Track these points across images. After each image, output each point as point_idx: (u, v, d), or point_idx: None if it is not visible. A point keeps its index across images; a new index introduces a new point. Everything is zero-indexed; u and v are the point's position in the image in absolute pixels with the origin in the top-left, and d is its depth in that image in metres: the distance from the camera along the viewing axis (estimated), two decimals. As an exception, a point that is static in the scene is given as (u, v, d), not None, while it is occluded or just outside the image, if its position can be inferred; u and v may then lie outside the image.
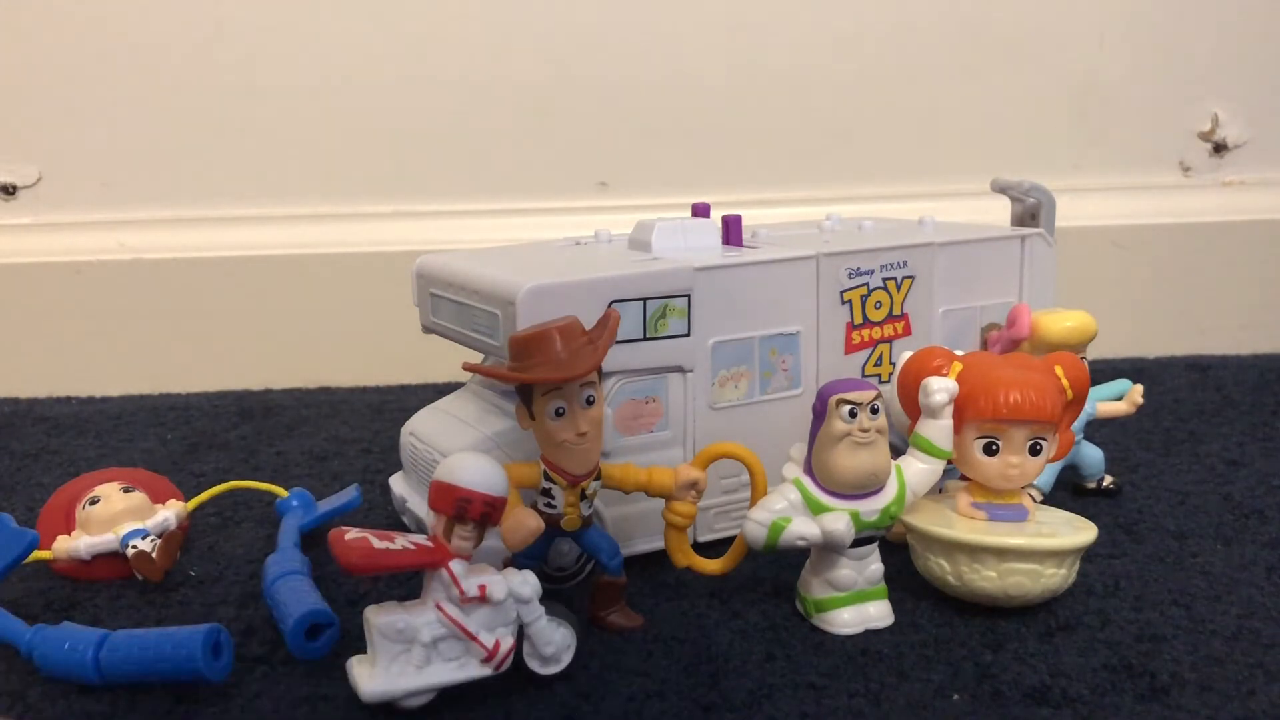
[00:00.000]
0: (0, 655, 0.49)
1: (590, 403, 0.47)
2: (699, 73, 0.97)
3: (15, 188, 0.97)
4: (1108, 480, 0.66)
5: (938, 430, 0.50)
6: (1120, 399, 0.65)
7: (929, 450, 0.50)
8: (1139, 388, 0.65)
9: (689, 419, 0.57)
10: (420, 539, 0.43)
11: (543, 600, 0.45)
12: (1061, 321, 0.60)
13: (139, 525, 0.57)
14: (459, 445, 0.55)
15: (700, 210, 0.65)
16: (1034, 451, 0.51)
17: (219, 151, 0.97)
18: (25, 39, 0.94)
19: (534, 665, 0.45)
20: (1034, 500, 0.53)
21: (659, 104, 0.97)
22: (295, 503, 0.62)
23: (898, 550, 0.54)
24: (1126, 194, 1.01)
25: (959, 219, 0.73)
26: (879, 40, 0.98)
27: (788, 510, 0.49)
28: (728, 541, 0.54)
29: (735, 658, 0.48)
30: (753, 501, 0.51)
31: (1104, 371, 0.82)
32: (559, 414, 0.47)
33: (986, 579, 0.50)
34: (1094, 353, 0.62)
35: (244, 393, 0.95)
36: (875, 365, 0.61)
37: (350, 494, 0.62)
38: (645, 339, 0.55)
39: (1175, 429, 0.79)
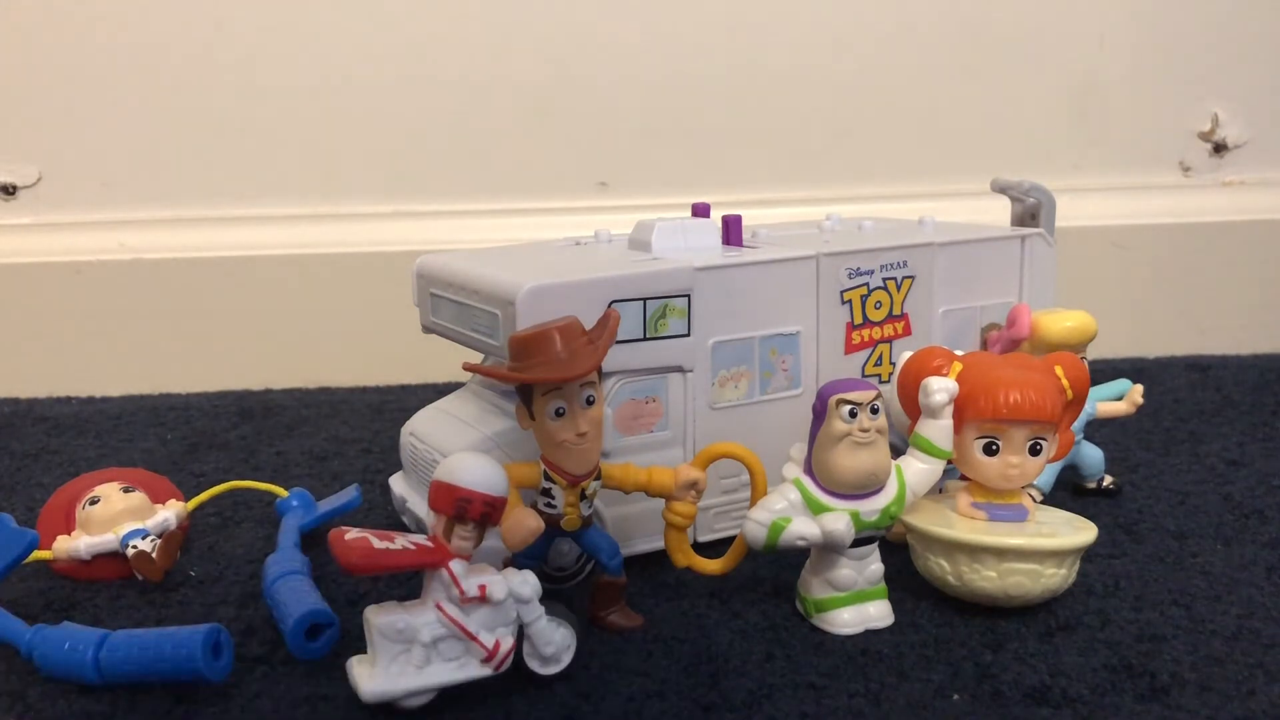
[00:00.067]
0: (0, 655, 0.49)
1: (590, 403, 0.47)
2: (699, 73, 0.97)
3: (15, 188, 0.97)
4: (1108, 480, 0.66)
5: (938, 430, 0.50)
6: (1120, 399, 0.65)
7: (929, 450, 0.50)
8: (1139, 388, 0.65)
9: (689, 419, 0.57)
10: (420, 539, 0.43)
11: (543, 600, 0.45)
12: (1061, 321, 0.60)
13: (139, 525, 0.57)
14: (459, 445, 0.55)
15: (700, 210, 0.65)
16: (1034, 451, 0.51)
17: (219, 151, 0.97)
18: (25, 39, 0.94)
19: (534, 665, 0.45)
20: (1034, 500, 0.53)
21: (659, 104, 0.98)
22: (295, 503, 0.62)
23: (898, 550, 0.54)
24: (1126, 194, 1.01)
25: (959, 219, 0.73)
26: (879, 40, 0.98)
27: (788, 510, 0.49)
28: (728, 541, 0.54)
29: (735, 658, 0.48)
30: (753, 501, 0.51)
31: (1104, 371, 0.82)
32: (559, 414, 0.47)
33: (986, 579, 0.50)
34: (1094, 353, 0.62)
35: (244, 393, 0.95)
36: (875, 365, 0.61)
37: (350, 494, 0.62)
38: (645, 339, 0.55)
39: (1175, 429, 0.79)
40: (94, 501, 0.58)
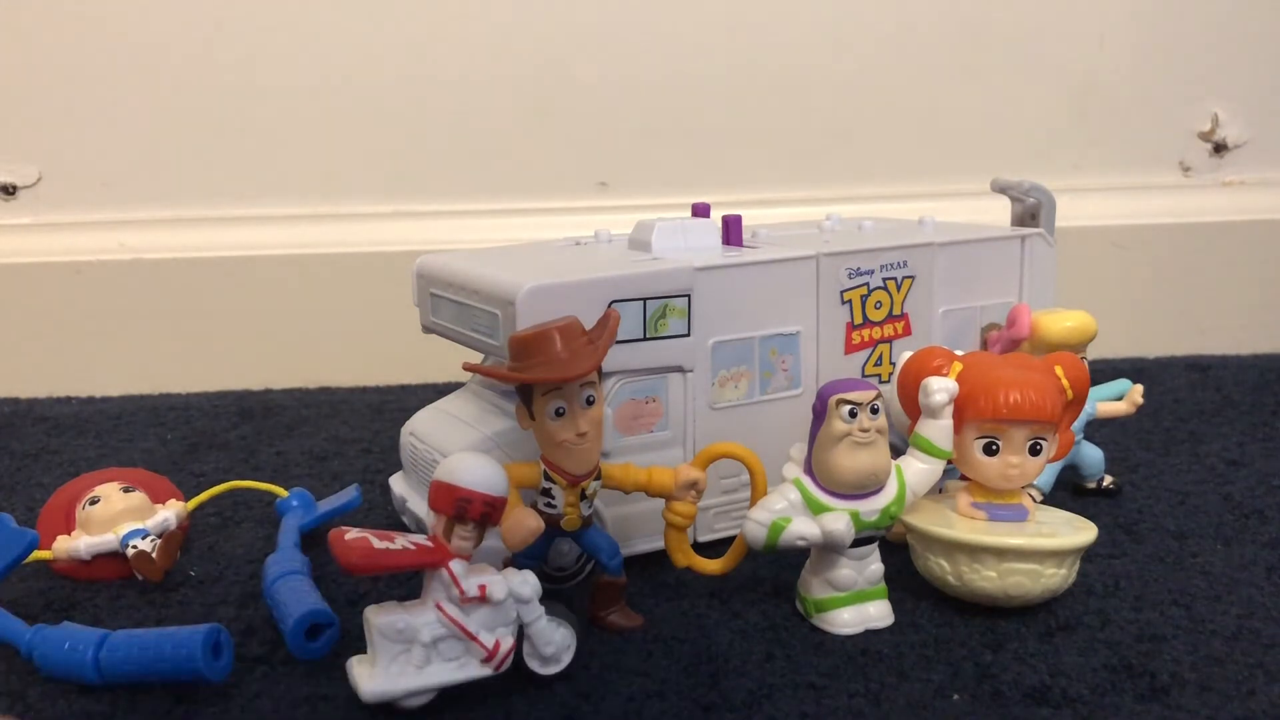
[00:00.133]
0: (0, 655, 0.49)
1: (590, 403, 0.47)
2: (699, 73, 0.97)
3: (15, 188, 0.97)
4: (1108, 480, 0.66)
5: (938, 430, 0.50)
6: (1120, 399, 0.65)
7: (929, 450, 0.50)
8: (1139, 388, 0.65)
9: (689, 419, 0.57)
10: (420, 539, 0.43)
11: (543, 600, 0.45)
12: (1061, 321, 0.60)
13: (139, 525, 0.57)
14: (459, 445, 0.55)
15: (700, 210, 0.65)
16: (1034, 451, 0.51)
17: (219, 151, 0.97)
18: (25, 39, 0.94)
19: (534, 665, 0.45)
20: (1034, 500, 0.53)
21: (659, 104, 0.98)
22: (295, 503, 0.62)
23: (898, 550, 0.54)
24: (1126, 194, 1.01)
25: (959, 219, 0.73)
26: (879, 40, 0.98)
27: (788, 510, 0.49)
28: (728, 541, 0.54)
29: (735, 658, 0.48)
30: (753, 501, 0.51)
31: (1104, 371, 0.82)
32: (559, 414, 0.47)
33: (986, 579, 0.50)
34: (1094, 353, 0.62)
35: (244, 393, 0.95)
36: (875, 365, 0.61)
37: (350, 494, 0.62)
38: (645, 339, 0.55)
39: (1175, 429, 0.79)
40: (94, 501, 0.58)
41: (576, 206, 0.98)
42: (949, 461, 0.51)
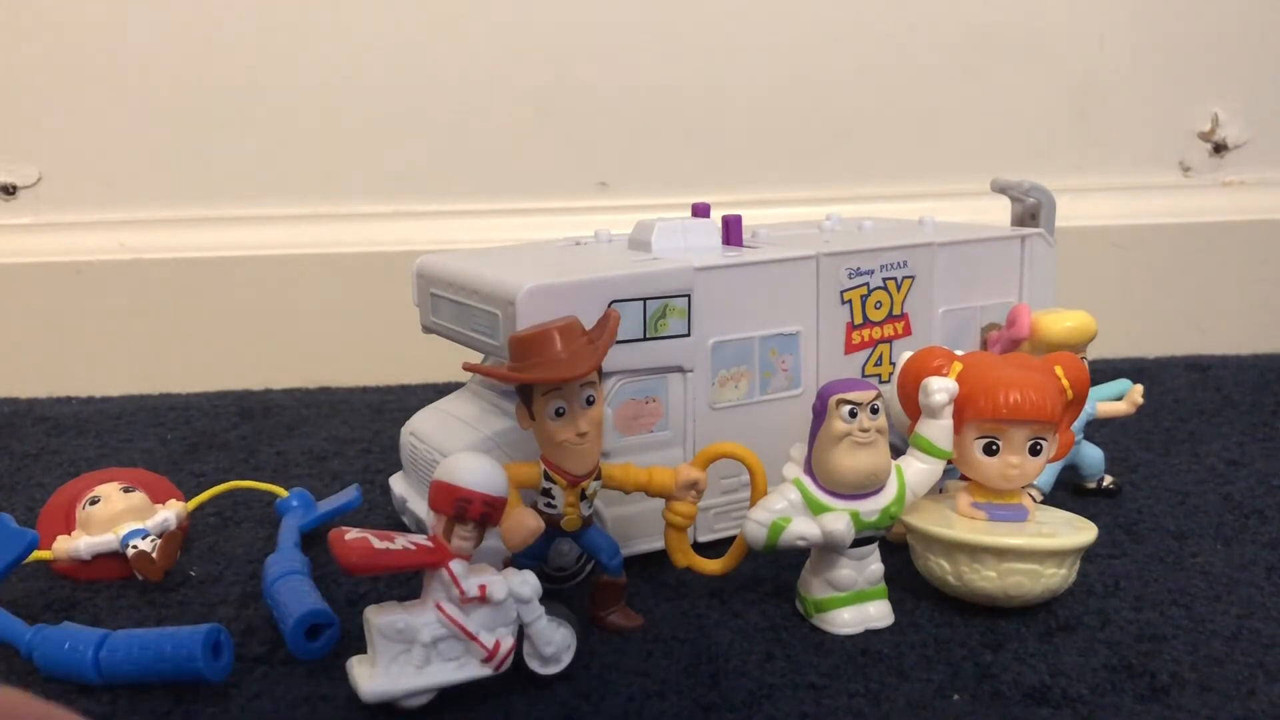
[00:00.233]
0: (0, 655, 0.49)
1: (590, 403, 0.47)
2: (699, 73, 0.97)
3: (15, 188, 0.97)
4: (1108, 480, 0.66)
5: (938, 430, 0.50)
6: (1120, 399, 0.65)
7: (929, 450, 0.50)
8: (1139, 388, 0.65)
9: (689, 419, 0.57)
10: (420, 539, 0.43)
11: (543, 600, 0.45)
12: (1061, 321, 0.60)
13: (139, 525, 0.57)
14: (459, 445, 0.55)
15: (700, 210, 0.65)
16: (1034, 451, 0.51)
17: (219, 151, 0.97)
18: (25, 39, 0.94)
19: (534, 665, 0.45)
20: (1034, 500, 0.53)
21: (659, 104, 0.98)
22: (295, 503, 0.62)
23: (898, 550, 0.54)
24: (1126, 194, 1.01)
25: (959, 219, 0.73)
26: (879, 40, 0.98)
27: (788, 510, 0.49)
28: (728, 541, 0.54)
29: (735, 658, 0.48)
30: (753, 501, 0.51)
31: (1104, 371, 0.82)
32: (559, 414, 0.47)
33: (986, 579, 0.50)
34: (1094, 353, 0.62)
35: (244, 393, 0.95)
36: (875, 365, 0.61)
37: (350, 494, 0.62)
38: (645, 339, 0.55)
39: (1175, 429, 0.79)
40: (94, 501, 0.58)
41: (576, 206, 0.98)
42: (949, 461, 0.51)
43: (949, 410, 0.50)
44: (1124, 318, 0.98)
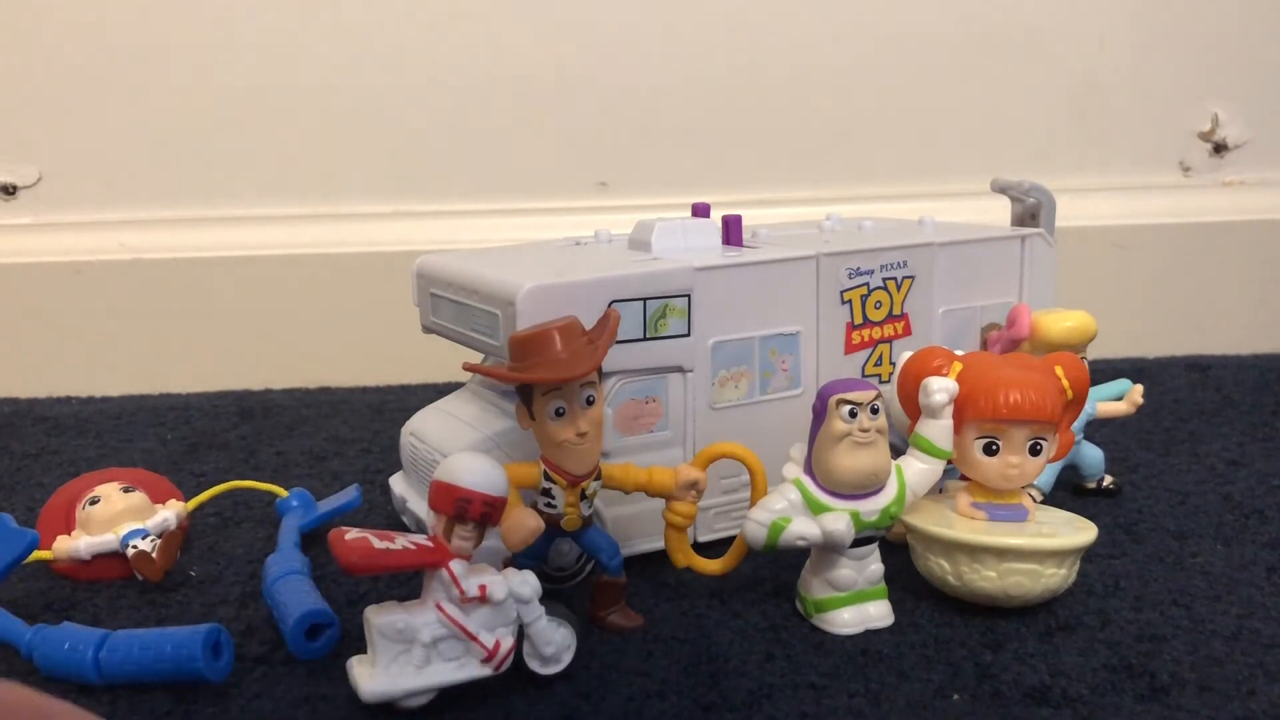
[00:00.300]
0: (0, 655, 0.49)
1: (590, 403, 0.47)
2: (699, 73, 0.97)
3: (15, 188, 0.97)
4: (1108, 480, 0.66)
5: (938, 430, 0.50)
6: (1120, 399, 0.65)
7: (929, 450, 0.50)
8: (1139, 388, 0.65)
9: (689, 419, 0.57)
10: (420, 539, 0.43)
11: (543, 600, 0.45)
12: (1061, 321, 0.60)
13: (139, 525, 0.57)
14: (459, 445, 0.55)
15: (700, 210, 0.65)
16: (1034, 451, 0.51)
17: (219, 151, 0.97)
18: (25, 39, 0.94)
19: (534, 665, 0.45)
20: (1034, 500, 0.53)
21: (659, 104, 0.98)
22: (295, 503, 0.62)
23: (898, 550, 0.54)
24: (1126, 194, 1.01)
25: (959, 219, 0.73)
26: (879, 40, 0.98)
27: (788, 510, 0.49)
28: (728, 541, 0.54)
29: (735, 658, 0.48)
30: (753, 501, 0.51)
31: (1104, 371, 0.82)
32: (559, 414, 0.47)
33: (986, 579, 0.50)
34: (1094, 353, 0.62)
35: (244, 393, 0.95)
36: (875, 365, 0.61)
37: (350, 494, 0.62)
38: (645, 339, 0.55)
39: (1175, 429, 0.79)
40: (94, 501, 0.58)
41: (576, 206, 0.98)
42: (949, 461, 0.51)
43: (949, 410, 0.50)
44: (1124, 318, 0.98)
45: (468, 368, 0.50)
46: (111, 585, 0.56)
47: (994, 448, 0.51)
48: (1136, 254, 1.00)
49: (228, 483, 0.66)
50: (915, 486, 0.50)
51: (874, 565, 0.51)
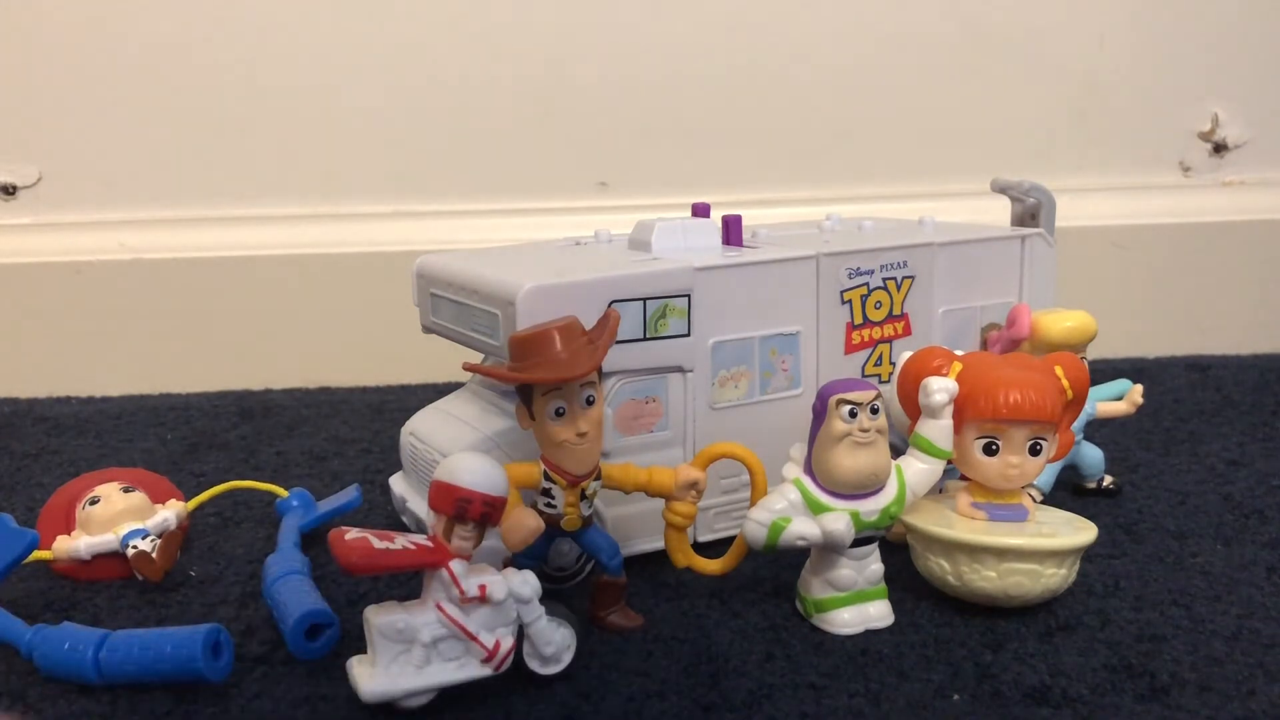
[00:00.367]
0: (0, 655, 0.49)
1: (590, 403, 0.47)
2: (699, 73, 0.97)
3: (15, 188, 0.97)
4: (1108, 480, 0.66)
5: (938, 430, 0.50)
6: (1120, 399, 0.65)
7: (929, 450, 0.50)
8: (1139, 388, 0.65)
9: (689, 419, 0.57)
10: (420, 539, 0.43)
11: (543, 600, 0.45)
12: (1061, 321, 0.60)
13: (139, 525, 0.57)
14: (459, 445, 0.55)
15: (700, 210, 0.65)
16: (1034, 451, 0.51)
17: (219, 151, 0.97)
18: (25, 39, 0.94)
19: (534, 665, 0.45)
20: (1034, 500, 0.53)
21: (659, 104, 0.98)
22: (295, 503, 0.62)
23: (898, 550, 0.54)
24: (1126, 194, 1.01)
25: (959, 219, 0.73)
26: (879, 40, 0.98)
27: (788, 510, 0.49)
28: (728, 541, 0.54)
29: (735, 658, 0.48)
30: (753, 501, 0.51)
31: (1104, 371, 0.82)
32: (559, 414, 0.47)
33: (986, 579, 0.50)
34: (1094, 353, 0.62)
35: (244, 393, 0.95)
36: (875, 365, 0.61)
37: (350, 494, 0.62)
38: (645, 339, 0.55)
39: (1175, 429, 0.79)
40: (94, 501, 0.58)
41: (576, 206, 0.98)
42: (949, 461, 0.51)
43: (949, 410, 0.50)
44: (1124, 318, 0.98)
45: (468, 368, 0.50)
46: (111, 585, 0.56)
47: (994, 448, 0.51)
48: (1136, 254, 1.00)
49: (228, 483, 0.66)
50: (915, 486, 0.50)
51: (874, 565, 0.51)
